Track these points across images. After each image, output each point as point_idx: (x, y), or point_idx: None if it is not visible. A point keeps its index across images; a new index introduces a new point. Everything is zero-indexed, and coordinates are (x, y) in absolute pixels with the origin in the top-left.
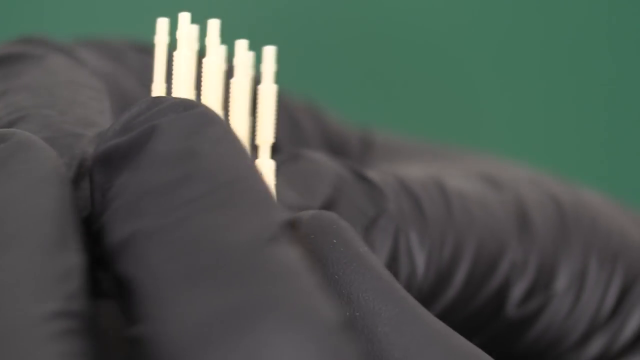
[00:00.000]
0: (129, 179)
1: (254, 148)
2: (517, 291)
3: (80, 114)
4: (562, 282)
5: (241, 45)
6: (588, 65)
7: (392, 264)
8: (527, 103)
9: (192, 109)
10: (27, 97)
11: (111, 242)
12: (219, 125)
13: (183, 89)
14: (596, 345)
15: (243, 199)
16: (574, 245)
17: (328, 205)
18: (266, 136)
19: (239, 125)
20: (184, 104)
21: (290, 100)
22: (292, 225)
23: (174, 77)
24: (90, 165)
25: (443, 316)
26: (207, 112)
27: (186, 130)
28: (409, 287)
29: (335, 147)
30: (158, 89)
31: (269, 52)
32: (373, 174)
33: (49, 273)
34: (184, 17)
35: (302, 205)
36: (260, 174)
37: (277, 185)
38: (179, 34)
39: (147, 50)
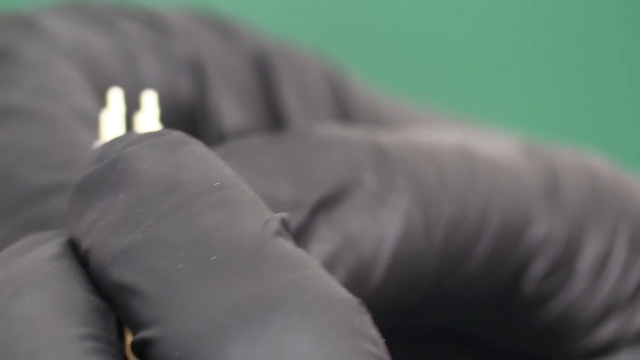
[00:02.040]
0: (112, 200)
1: None
2: (538, 267)
3: None
4: (585, 260)
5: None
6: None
7: (404, 242)
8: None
9: (168, 134)
10: (46, 142)
11: (103, 256)
12: (197, 145)
13: None
14: (610, 328)
15: (238, 200)
16: (602, 223)
17: (326, 199)
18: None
19: None
20: (158, 132)
21: (304, 61)
22: None
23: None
24: (68, 197)
25: (464, 289)
26: (183, 135)
27: (166, 150)
28: (423, 260)
29: (353, 117)
30: None
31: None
32: (391, 140)
33: (88, 308)
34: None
35: (294, 201)
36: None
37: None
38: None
39: (134, 17)
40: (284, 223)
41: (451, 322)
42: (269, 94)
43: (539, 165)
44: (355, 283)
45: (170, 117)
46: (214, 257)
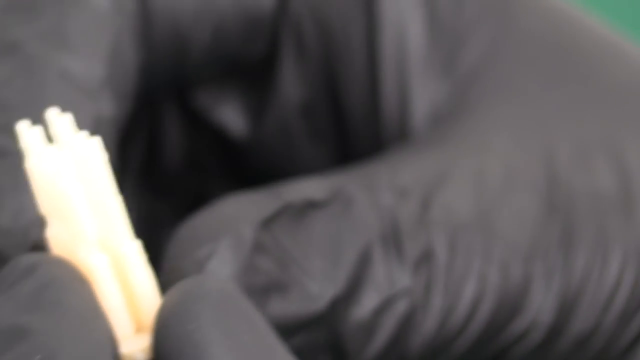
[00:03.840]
0: None
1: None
2: (519, 350)
3: None
4: (570, 337)
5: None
6: None
7: (395, 341)
8: None
9: (24, 285)
10: (21, 99)
11: None
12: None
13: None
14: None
15: None
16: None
17: (341, 296)
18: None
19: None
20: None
21: None
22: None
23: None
24: None
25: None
26: (47, 274)
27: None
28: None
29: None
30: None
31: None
32: (411, 213)
33: None
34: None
35: (316, 293)
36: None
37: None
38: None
39: None
40: None
41: None
42: None
43: (552, 232)
44: None
45: (246, 35)
46: None
